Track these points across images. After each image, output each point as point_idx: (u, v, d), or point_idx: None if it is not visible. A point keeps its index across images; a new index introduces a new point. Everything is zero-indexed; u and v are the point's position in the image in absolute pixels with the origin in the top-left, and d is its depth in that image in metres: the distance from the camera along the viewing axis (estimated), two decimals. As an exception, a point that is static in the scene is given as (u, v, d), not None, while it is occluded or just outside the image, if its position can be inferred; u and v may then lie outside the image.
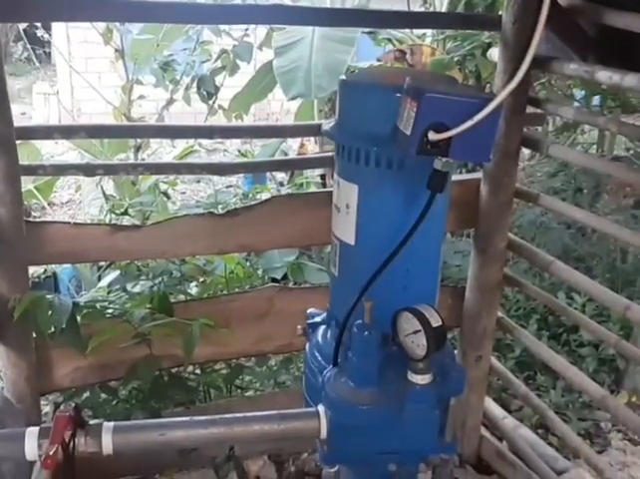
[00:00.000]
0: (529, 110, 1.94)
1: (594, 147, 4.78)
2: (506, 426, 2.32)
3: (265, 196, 3.08)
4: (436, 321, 1.11)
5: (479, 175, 2.07)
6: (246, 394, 2.50)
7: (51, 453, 0.99)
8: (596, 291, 1.81)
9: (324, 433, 1.13)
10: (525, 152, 4.18)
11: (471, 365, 2.22)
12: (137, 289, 2.23)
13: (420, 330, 1.10)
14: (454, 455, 1.22)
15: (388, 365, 1.16)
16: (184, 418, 1.13)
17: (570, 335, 2.97)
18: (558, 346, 2.92)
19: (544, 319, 3.10)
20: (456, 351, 2.26)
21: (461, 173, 3.22)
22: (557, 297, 2.82)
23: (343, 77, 1.26)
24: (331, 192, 1.31)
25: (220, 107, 4.02)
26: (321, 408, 1.15)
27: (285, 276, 2.83)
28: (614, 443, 2.54)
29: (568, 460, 2.19)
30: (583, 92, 4.23)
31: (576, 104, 4.15)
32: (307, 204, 2.01)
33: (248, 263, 2.72)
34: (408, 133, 1.06)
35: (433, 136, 1.04)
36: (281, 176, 4.87)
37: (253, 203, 2.07)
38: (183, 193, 5.82)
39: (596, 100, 4.22)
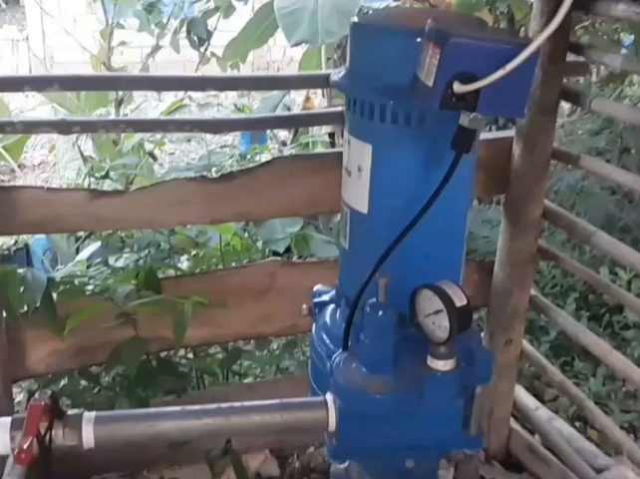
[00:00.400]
0: (570, 58, 1.92)
1: (644, 100, 4.72)
2: (539, 418, 2.34)
3: (265, 157, 3.07)
4: (460, 300, 1.11)
5: (511, 133, 2.06)
6: (245, 381, 2.52)
7: (25, 446, 1.00)
8: (644, 266, 1.81)
9: (333, 425, 1.15)
10: (565, 106, 4.13)
11: (499, 349, 2.23)
12: (120, 263, 2.24)
13: (442, 310, 1.11)
14: (479, 450, 1.23)
15: (405, 349, 1.17)
16: (175, 408, 1.14)
17: (613, 316, 2.97)
18: (600, 328, 2.92)
19: (584, 298, 3.10)
20: (482, 334, 2.27)
21: (490, 130, 3.20)
22: (599, 273, 2.81)
23: (355, 19, 1.25)
24: (341, 152, 1.30)
25: (213, 55, 3.98)
26: (329, 397, 1.16)
27: (288, 249, 2.83)
28: (661, 438, 2.56)
29: (609, 456, 2.21)
30: (632, 37, 4.16)
31: (624, 51, 4.09)
32: (313, 166, 2.01)
33: (246, 234, 2.72)
34: (430, 84, 1.05)
35: (458, 87, 1.03)
36: (284, 134, 4.85)
37: (252, 165, 2.07)
38: (172, 154, 5.81)
39: (647, 46, 4.15)
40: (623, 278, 2.96)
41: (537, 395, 2.53)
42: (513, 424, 2.39)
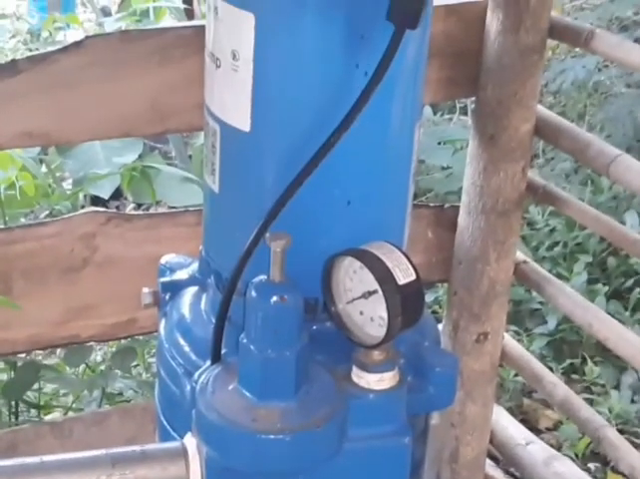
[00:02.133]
0: None
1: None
2: (532, 458, 2.41)
3: (74, 35, 2.99)
4: (405, 274, 1.12)
5: (484, -5, 2.09)
6: (48, 418, 2.51)
7: None
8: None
9: (196, 488, 1.15)
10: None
11: (468, 350, 2.28)
12: None
13: (375, 291, 1.12)
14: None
15: (315, 358, 1.18)
16: None
17: (647, 293, 3.09)
18: (625, 312, 3.02)
19: (600, 263, 3.19)
20: (441, 327, 2.30)
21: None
22: (624, 223, 2.89)
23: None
24: (203, 28, 1.29)
25: None
26: (190, 441, 1.16)
27: (118, 193, 2.79)
28: None
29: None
30: None
31: None
32: (158, 51, 1.98)
33: (44, 169, 2.66)
34: None
35: None
36: (105, -4, 4.77)
37: (51, 49, 2.02)
38: None
39: None
40: (662, 231, 3.06)
41: (529, 422, 2.61)
42: (491, 470, 2.45)
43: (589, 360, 2.91)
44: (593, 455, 2.59)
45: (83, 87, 1.97)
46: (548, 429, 2.72)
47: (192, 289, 1.40)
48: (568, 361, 2.93)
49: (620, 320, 2.20)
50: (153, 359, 2.59)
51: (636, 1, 4.08)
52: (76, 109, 1.98)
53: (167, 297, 1.42)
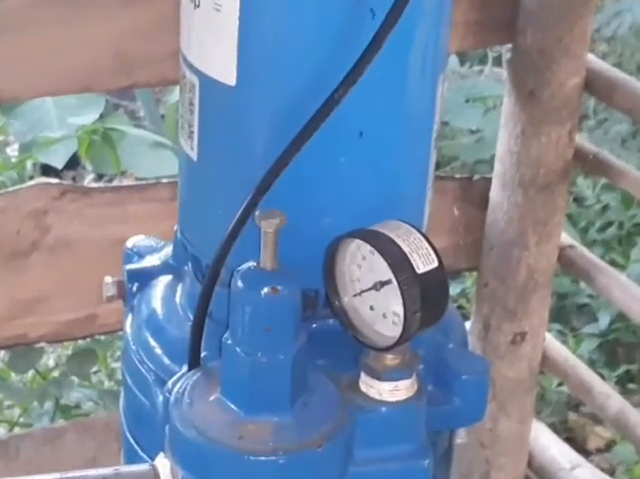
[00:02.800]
0: None
1: None
2: (579, 485, 2.42)
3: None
4: (425, 260, 1.12)
5: None
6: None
7: None
8: None
9: (170, 519, 1.15)
10: None
11: (502, 355, 2.28)
12: None
13: (389, 281, 1.11)
14: None
15: (315, 363, 1.18)
16: None
17: None
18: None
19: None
20: (469, 325, 2.31)
21: None
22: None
23: None
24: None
25: None
26: (162, 464, 1.16)
27: (75, 161, 2.80)
28: None
29: None
30: None
31: None
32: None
33: (-15, 132, 2.68)
34: None
35: None
36: None
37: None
38: None
39: None
40: None
41: (575, 441, 2.62)
42: (530, 499, 2.47)
43: (649, 366, 2.93)
44: (653, 481, 2.61)
45: (33, 31, 1.96)
46: (599, 450, 2.73)
47: (165, 279, 1.40)
48: (624, 367, 2.94)
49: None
50: (117, 364, 2.60)
51: None
52: (24, 58, 1.98)
53: (135, 289, 1.42)
